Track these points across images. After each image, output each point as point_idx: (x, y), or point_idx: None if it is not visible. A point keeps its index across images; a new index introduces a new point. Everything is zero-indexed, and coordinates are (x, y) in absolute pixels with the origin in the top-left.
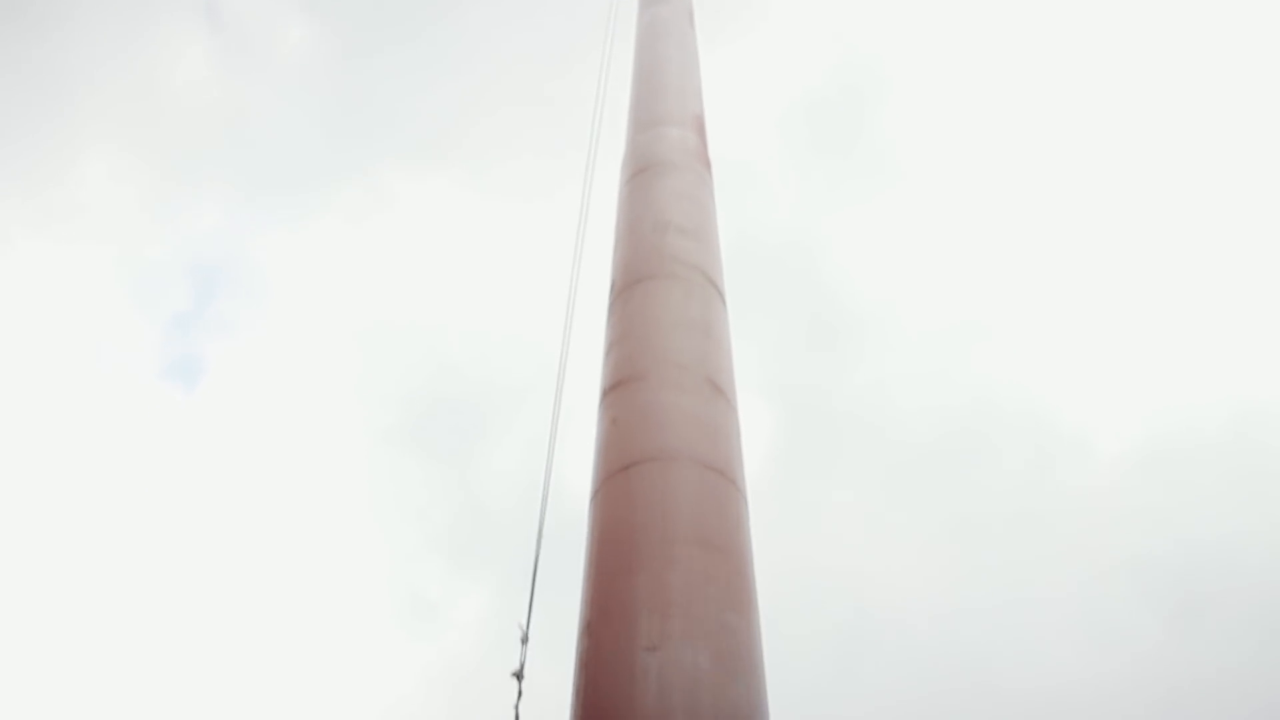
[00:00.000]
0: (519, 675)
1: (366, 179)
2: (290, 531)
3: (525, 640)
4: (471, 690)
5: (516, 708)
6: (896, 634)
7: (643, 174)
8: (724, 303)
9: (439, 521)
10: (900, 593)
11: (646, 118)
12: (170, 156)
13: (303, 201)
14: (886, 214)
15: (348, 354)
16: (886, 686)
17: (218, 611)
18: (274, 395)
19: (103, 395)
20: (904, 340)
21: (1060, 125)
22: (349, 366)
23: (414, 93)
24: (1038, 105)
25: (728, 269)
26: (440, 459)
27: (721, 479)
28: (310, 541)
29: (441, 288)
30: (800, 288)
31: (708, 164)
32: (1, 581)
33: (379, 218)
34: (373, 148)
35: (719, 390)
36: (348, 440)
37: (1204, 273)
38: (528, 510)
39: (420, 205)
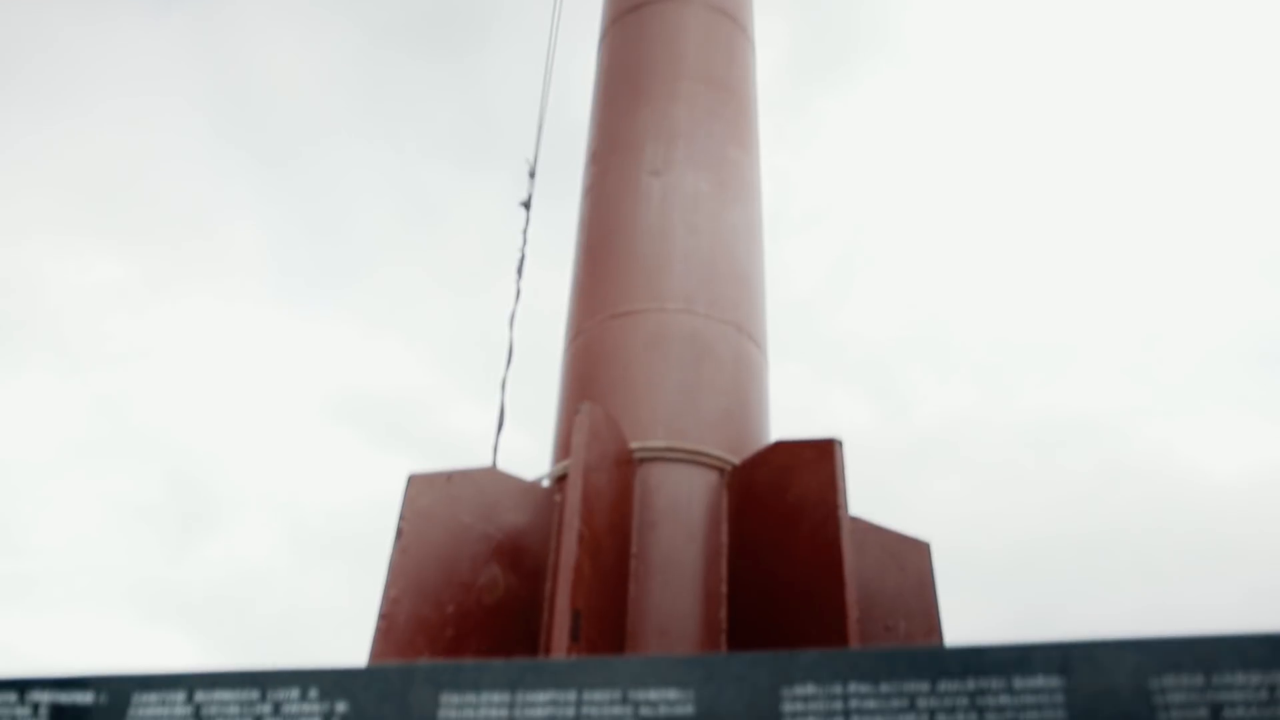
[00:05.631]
0: (526, 205)
1: None
2: (287, 127)
3: (532, 175)
4: (476, 287)
5: (525, 234)
6: (891, 256)
7: None
8: None
9: (443, 123)
10: (899, 212)
11: None
12: None
13: None
14: None
15: None
16: (879, 312)
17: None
18: None
19: None
20: None
21: None
22: None
23: None
24: None
25: None
26: (443, 59)
27: (731, 23)
28: (310, 141)
29: None
30: None
31: None
32: None
33: None
34: None
35: None
36: (344, 36)
37: None
38: (534, 109)
39: None
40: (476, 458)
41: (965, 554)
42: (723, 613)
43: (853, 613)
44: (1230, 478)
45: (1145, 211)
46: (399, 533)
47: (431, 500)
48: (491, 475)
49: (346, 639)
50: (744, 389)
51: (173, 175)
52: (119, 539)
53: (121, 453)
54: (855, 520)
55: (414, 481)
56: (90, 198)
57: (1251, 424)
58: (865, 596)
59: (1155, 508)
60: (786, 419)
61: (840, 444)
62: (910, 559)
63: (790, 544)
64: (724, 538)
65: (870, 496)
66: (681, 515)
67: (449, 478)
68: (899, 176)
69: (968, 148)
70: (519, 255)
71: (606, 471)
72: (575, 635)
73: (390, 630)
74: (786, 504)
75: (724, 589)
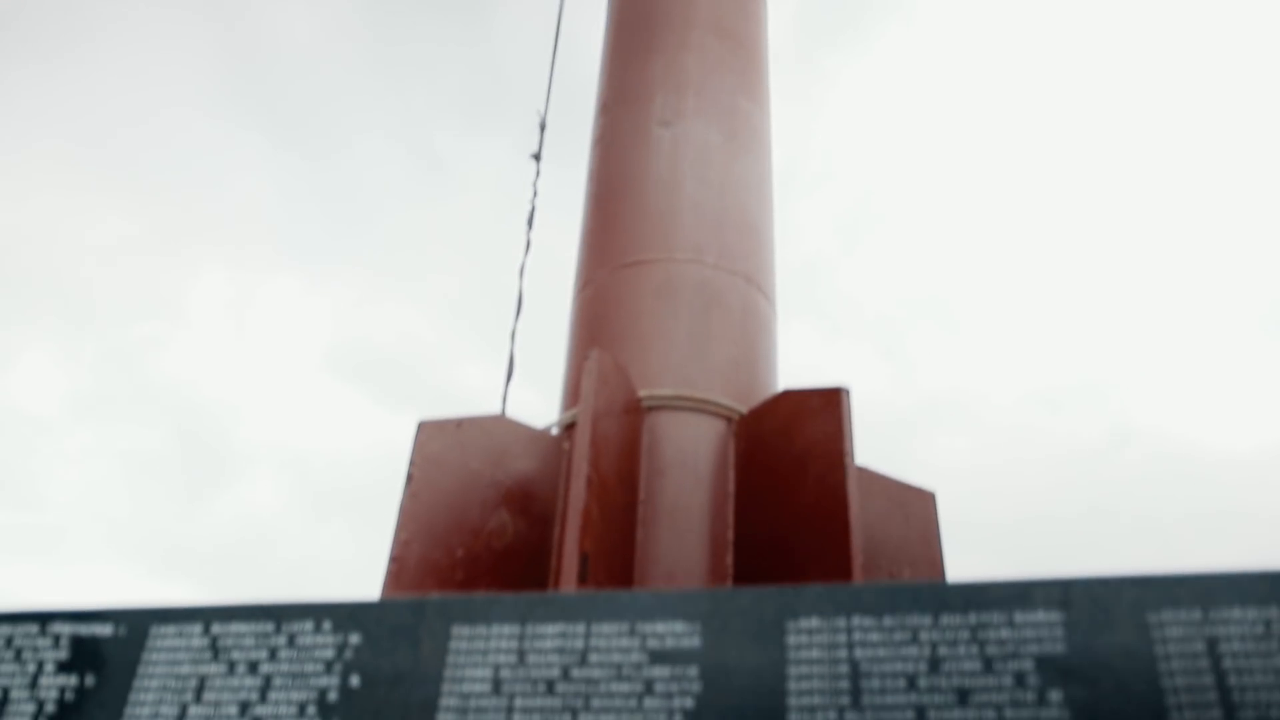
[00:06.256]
0: (537, 157)
1: None
2: (296, 85)
3: (543, 127)
4: (485, 244)
5: (535, 186)
6: (900, 217)
7: None
8: None
9: (453, 78)
10: (908, 173)
11: None
12: None
13: None
14: None
15: None
16: (887, 272)
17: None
18: None
19: None
20: None
21: None
22: None
23: None
24: None
25: None
26: (453, 13)
27: None
28: (319, 98)
29: None
30: None
31: None
32: None
33: None
34: None
35: None
36: None
37: None
38: (544, 62)
39: None
40: (484, 412)
41: (970, 514)
42: (729, 559)
43: (857, 559)
44: (1236, 446)
45: (1157, 175)
46: (409, 478)
47: (441, 446)
48: (501, 423)
49: (355, 590)
50: (752, 339)
51: (182, 133)
52: (130, 492)
53: (133, 407)
54: (861, 469)
55: (424, 428)
56: (99, 155)
57: (1261, 393)
58: (870, 544)
59: (1160, 473)
60: (794, 378)
61: (847, 392)
62: (915, 508)
63: (796, 491)
64: (731, 485)
65: (877, 455)
66: (689, 463)
67: (459, 424)
68: (908, 137)
69: (977, 110)
70: (529, 208)
71: (615, 418)
72: (583, 578)
73: (401, 573)
74: (793, 452)
75: (730, 535)
